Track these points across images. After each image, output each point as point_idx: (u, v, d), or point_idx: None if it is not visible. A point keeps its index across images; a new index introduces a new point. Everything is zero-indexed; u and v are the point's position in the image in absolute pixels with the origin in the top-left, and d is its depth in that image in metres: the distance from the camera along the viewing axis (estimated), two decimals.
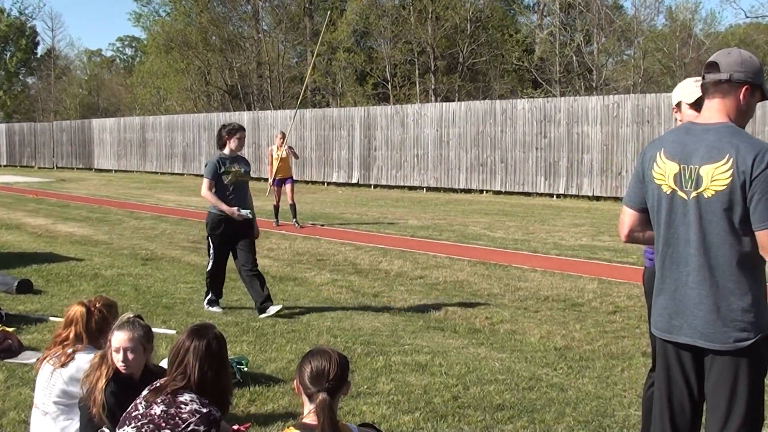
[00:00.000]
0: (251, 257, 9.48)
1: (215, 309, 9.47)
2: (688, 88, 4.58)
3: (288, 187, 18.57)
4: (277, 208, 18.68)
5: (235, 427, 4.56)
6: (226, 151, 9.61)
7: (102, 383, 4.53)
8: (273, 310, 9.15)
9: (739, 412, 3.65)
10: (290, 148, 19.10)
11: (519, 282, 11.48)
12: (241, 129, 9.79)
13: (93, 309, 5.16)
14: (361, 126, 33.50)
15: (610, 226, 17.49)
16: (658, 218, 3.82)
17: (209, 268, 9.59)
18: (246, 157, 10.33)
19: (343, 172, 34.22)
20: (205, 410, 4.04)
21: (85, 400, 4.62)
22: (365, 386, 6.49)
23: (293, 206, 18.38)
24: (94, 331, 5.11)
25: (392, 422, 5.72)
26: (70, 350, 5.05)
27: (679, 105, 4.61)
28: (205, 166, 9.71)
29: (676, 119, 4.70)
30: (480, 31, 45.93)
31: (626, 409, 6.07)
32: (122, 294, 10.26)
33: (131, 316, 4.80)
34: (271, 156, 18.95)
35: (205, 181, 9.52)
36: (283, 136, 18.99)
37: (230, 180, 9.48)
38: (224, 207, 9.33)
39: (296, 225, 18.09)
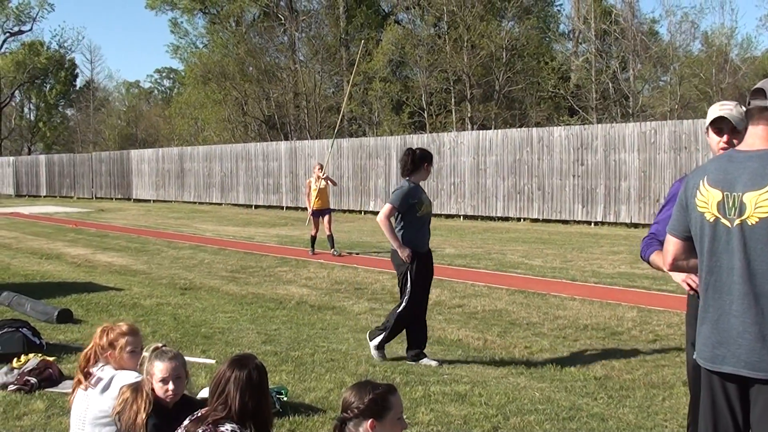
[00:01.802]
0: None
1: (380, 354, 8.55)
2: (711, 112, 4.62)
3: (326, 218, 18.73)
4: (314, 238, 18.79)
5: None
6: (417, 179, 8.62)
7: (142, 417, 4.54)
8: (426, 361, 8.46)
9: None
10: (327, 177, 19.22)
11: (558, 310, 11.43)
12: (432, 156, 8.89)
13: (107, 327, 5.28)
14: (398, 155, 33.50)
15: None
16: (701, 246, 3.81)
17: (401, 309, 8.52)
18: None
19: (380, 200, 34.22)
20: None
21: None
22: (405, 416, 6.47)
23: (331, 237, 18.50)
24: (105, 345, 5.19)
25: None
26: (92, 369, 5.13)
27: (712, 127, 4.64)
28: (394, 192, 8.65)
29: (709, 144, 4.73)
30: (515, 59, 45.95)
31: None
32: (161, 323, 10.33)
33: (160, 345, 4.85)
34: (309, 187, 19.04)
35: (387, 207, 8.48)
36: (321, 167, 19.14)
37: (423, 212, 8.56)
38: (396, 241, 8.40)
39: (334, 253, 18.13)
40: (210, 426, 4.08)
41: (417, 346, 8.54)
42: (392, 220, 8.51)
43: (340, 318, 11.01)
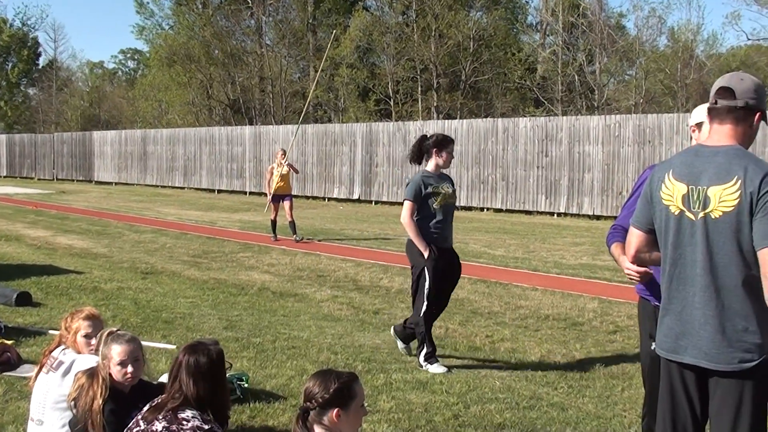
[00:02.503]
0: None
1: (439, 368, 7.58)
2: (697, 112, 4.67)
3: (287, 204, 18.57)
4: (274, 222, 18.70)
5: None
6: (430, 167, 8.02)
7: (99, 403, 4.48)
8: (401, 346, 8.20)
9: None
10: (290, 164, 19.16)
11: (519, 300, 11.48)
12: (452, 141, 8.18)
13: (72, 312, 5.26)
14: (363, 142, 33.54)
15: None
16: (665, 239, 3.85)
17: (423, 311, 7.78)
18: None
19: (344, 187, 34.24)
20: (206, 427, 4.02)
21: (80, 422, 4.56)
22: (366, 404, 6.47)
23: (292, 223, 18.34)
24: (64, 330, 5.17)
25: None
26: (55, 353, 5.10)
27: (699, 125, 4.65)
28: (406, 185, 8.08)
29: (691, 138, 4.75)
30: (483, 50, 46.02)
31: (627, 429, 6.07)
32: (122, 308, 10.25)
33: (115, 329, 4.81)
34: (271, 173, 18.92)
35: (407, 205, 7.86)
36: (284, 153, 19.10)
37: (439, 203, 7.90)
38: (421, 243, 7.75)
39: (296, 239, 18.00)
40: (170, 413, 4.05)
41: (404, 339, 8.21)
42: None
43: (302, 305, 10.97)
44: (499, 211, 28.66)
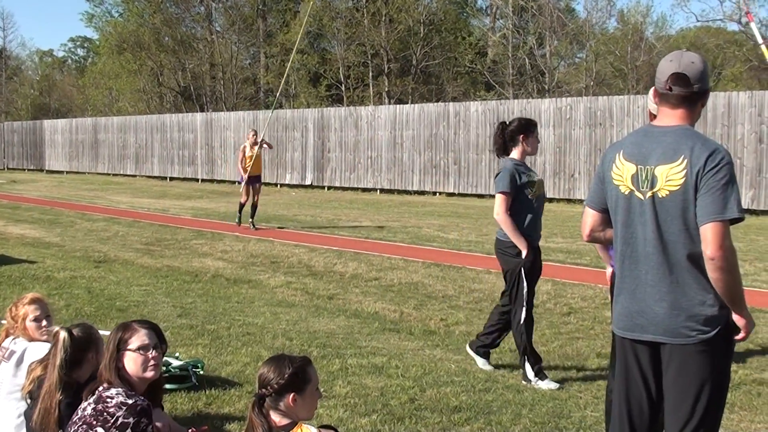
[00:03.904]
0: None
1: (550, 384, 6.81)
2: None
3: (257, 186, 18.49)
4: (242, 206, 18.42)
5: (191, 430, 4.51)
6: (516, 155, 7.04)
7: (58, 397, 4.37)
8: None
9: (702, 405, 3.70)
10: (264, 141, 18.94)
11: (473, 284, 11.53)
12: (536, 124, 7.26)
13: (14, 303, 5.20)
14: (315, 127, 33.44)
15: (563, 227, 17.61)
16: (616, 218, 3.89)
17: (523, 318, 6.99)
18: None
19: (296, 173, 34.13)
20: (130, 401, 3.98)
21: (36, 415, 4.43)
22: (322, 389, 6.46)
23: (255, 206, 18.18)
24: (11, 320, 5.12)
25: (349, 425, 5.70)
26: (5, 343, 5.04)
27: None
28: (496, 176, 7.08)
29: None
30: (433, 34, 46.06)
31: (582, 410, 6.12)
32: (75, 297, 10.14)
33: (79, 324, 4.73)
34: (243, 154, 18.53)
35: (501, 198, 6.89)
36: (255, 133, 18.94)
37: (536, 193, 7.00)
38: (521, 241, 6.90)
39: (252, 227, 17.80)
40: (98, 393, 4.04)
41: (484, 347, 7.41)
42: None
43: (256, 291, 10.93)
44: (452, 195, 28.76)
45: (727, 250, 3.53)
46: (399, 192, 30.38)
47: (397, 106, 33.70)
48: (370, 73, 46.79)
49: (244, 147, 18.64)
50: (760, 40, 8.91)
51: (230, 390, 6.39)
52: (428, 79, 48.76)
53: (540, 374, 6.88)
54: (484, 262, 13.36)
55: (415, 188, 30.12)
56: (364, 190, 31.59)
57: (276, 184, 34.63)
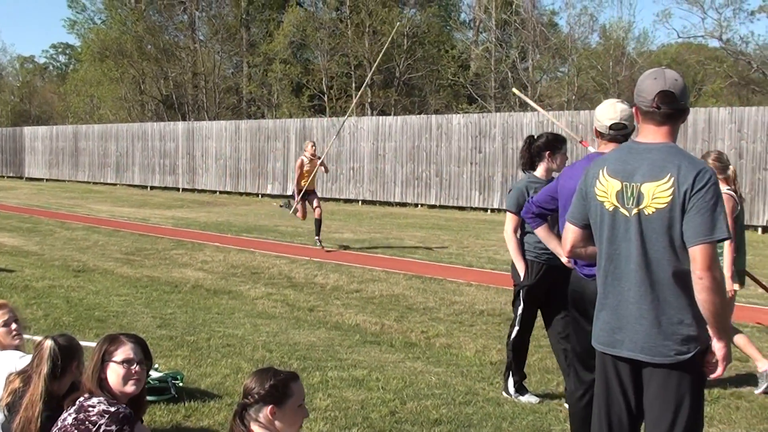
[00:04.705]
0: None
1: (530, 398, 6.81)
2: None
3: (315, 201, 16.73)
4: (318, 221, 16.76)
5: None
6: (539, 173, 6.84)
7: (40, 409, 4.33)
8: None
9: (681, 424, 3.73)
10: (323, 162, 16.78)
11: (454, 296, 11.53)
12: (565, 141, 7.00)
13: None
14: (297, 138, 33.40)
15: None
16: (600, 235, 3.90)
17: (513, 336, 6.96)
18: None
19: (277, 183, 34.07)
20: (113, 409, 3.96)
21: (16, 429, 4.38)
22: (304, 402, 6.44)
23: (319, 222, 16.62)
24: None
25: None
26: None
27: (620, 128, 4.79)
28: (509, 193, 6.98)
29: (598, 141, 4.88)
30: (416, 47, 46.17)
31: (562, 424, 6.12)
32: (54, 306, 10.07)
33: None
34: (301, 168, 16.54)
35: (508, 217, 6.85)
36: (315, 146, 16.95)
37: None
38: (520, 263, 6.76)
39: (318, 244, 16.40)
40: (79, 402, 4.01)
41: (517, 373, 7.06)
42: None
43: (237, 302, 10.89)
44: (433, 207, 28.78)
45: (716, 270, 3.58)
46: (381, 203, 30.38)
47: (380, 117, 33.73)
48: (353, 84, 46.83)
49: (302, 161, 16.61)
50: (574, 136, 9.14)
51: (210, 402, 6.36)
52: (411, 91, 48.84)
53: (520, 390, 6.87)
54: (466, 275, 13.39)
55: (397, 200, 30.12)
56: (346, 201, 31.57)
57: (257, 195, 34.57)
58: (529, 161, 6.94)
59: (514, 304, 6.97)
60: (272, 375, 3.88)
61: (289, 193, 33.24)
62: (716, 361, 3.73)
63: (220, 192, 36.04)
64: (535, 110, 10.89)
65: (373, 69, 20.46)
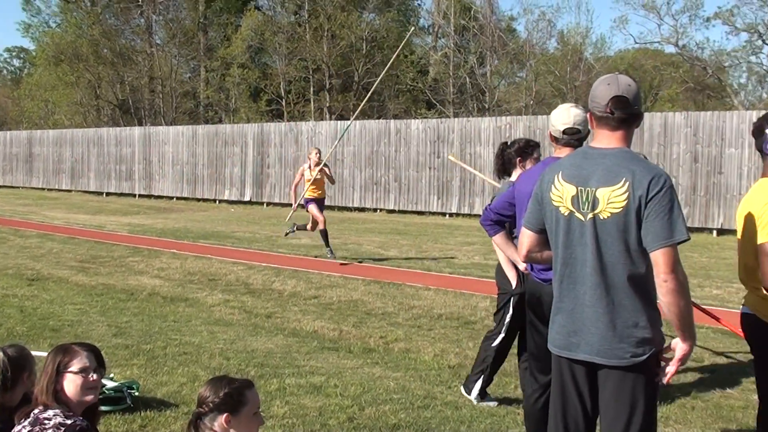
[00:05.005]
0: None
1: (489, 403, 6.81)
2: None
3: (321, 210, 16.10)
4: (324, 233, 16.04)
5: None
6: (514, 178, 6.65)
7: None
8: None
9: (636, 424, 3.76)
10: (326, 170, 16.04)
11: (413, 300, 11.53)
12: (537, 145, 6.84)
13: None
14: (254, 143, 33.28)
15: None
16: (556, 239, 3.92)
17: (497, 343, 6.81)
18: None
19: (235, 189, 33.92)
20: (69, 421, 3.91)
21: None
22: (260, 410, 6.40)
23: (325, 232, 15.99)
24: None
25: None
26: None
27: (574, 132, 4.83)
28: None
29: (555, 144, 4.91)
30: (375, 51, 46.21)
31: (520, 426, 6.13)
32: (7, 316, 9.92)
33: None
34: (302, 175, 16.17)
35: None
36: (319, 153, 16.31)
37: None
38: (510, 270, 6.52)
39: (330, 255, 15.74)
40: (34, 415, 3.95)
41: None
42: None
43: (193, 310, 10.80)
44: (392, 212, 28.82)
45: (679, 272, 3.62)
46: (339, 208, 30.33)
47: (338, 122, 33.70)
48: (312, 89, 46.77)
49: (303, 169, 16.20)
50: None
51: (166, 411, 6.30)
52: (370, 96, 48.80)
53: (483, 395, 6.82)
54: (424, 279, 13.40)
55: (356, 205, 30.11)
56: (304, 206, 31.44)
57: (215, 200, 34.39)
58: (503, 168, 6.92)
59: (501, 311, 6.83)
60: (227, 383, 3.85)
61: (246, 198, 33.24)
62: (672, 358, 3.77)
63: (177, 198, 35.80)
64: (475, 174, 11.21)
65: (376, 82, 19.62)
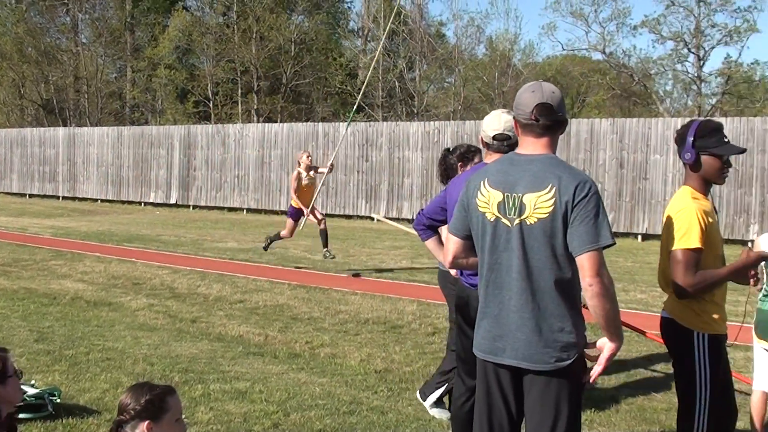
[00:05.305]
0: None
1: (442, 414, 6.55)
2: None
3: (316, 212, 15.44)
4: (280, 238, 15.59)
5: None
6: None
7: None
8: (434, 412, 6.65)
9: (561, 428, 3.80)
10: (316, 168, 15.59)
11: (339, 305, 11.54)
12: (478, 151, 6.45)
13: None
14: (181, 145, 32.96)
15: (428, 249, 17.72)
16: (482, 245, 3.94)
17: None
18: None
19: (161, 192, 33.53)
20: None
21: None
22: (183, 416, 6.34)
23: (325, 233, 15.45)
24: None
25: None
26: None
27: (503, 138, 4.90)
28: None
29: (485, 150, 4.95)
30: (304, 53, 46.11)
31: (445, 430, 6.18)
32: None
33: None
34: (298, 182, 15.21)
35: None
36: (309, 155, 15.57)
37: None
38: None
39: (329, 255, 15.33)
40: None
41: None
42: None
43: (117, 314, 10.67)
44: None
45: (605, 276, 3.66)
46: (266, 212, 30.21)
47: (266, 124, 33.54)
48: (239, 90, 46.49)
49: (299, 173, 15.29)
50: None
51: (88, 418, 6.21)
52: (298, 98, 48.75)
53: (440, 404, 6.62)
54: (351, 283, 13.41)
55: (283, 208, 29.92)
56: (231, 209, 31.30)
57: (140, 203, 33.97)
58: (445, 174, 6.82)
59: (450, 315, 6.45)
60: (148, 390, 3.82)
61: (172, 200, 32.88)
62: (598, 356, 3.82)
63: (102, 200, 35.28)
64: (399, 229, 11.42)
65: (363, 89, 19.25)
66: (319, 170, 15.65)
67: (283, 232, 15.41)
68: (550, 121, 3.85)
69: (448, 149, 6.93)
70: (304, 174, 15.20)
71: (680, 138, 4.53)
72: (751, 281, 4.67)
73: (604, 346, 3.81)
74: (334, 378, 7.71)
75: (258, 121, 42.03)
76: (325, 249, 15.35)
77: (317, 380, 7.61)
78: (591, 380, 3.87)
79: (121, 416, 3.77)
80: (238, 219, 27.93)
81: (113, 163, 34.93)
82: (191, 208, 32.31)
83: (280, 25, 44.72)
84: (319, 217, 15.37)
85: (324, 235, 15.43)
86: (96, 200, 35.35)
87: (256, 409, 6.58)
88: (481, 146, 5.36)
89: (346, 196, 28.26)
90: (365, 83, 17.57)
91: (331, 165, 15.66)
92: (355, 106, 17.52)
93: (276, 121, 40.20)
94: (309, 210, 15.06)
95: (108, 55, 51.38)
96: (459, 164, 6.61)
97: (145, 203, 33.81)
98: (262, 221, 26.95)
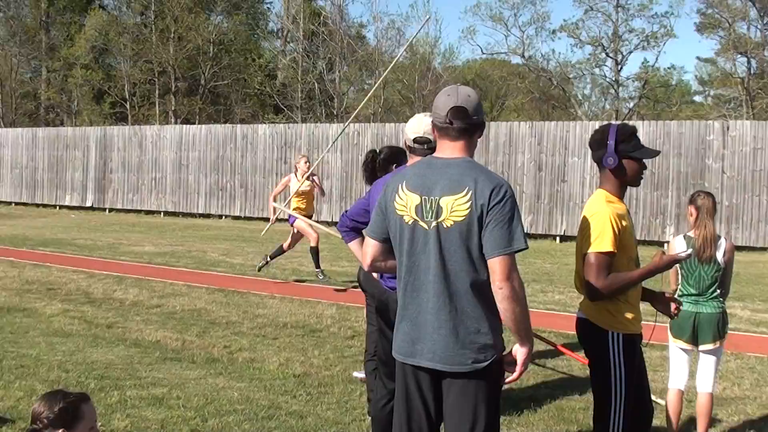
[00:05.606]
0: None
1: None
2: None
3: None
4: (316, 252, 14.24)
5: None
6: None
7: None
8: None
9: (480, 429, 3.84)
10: (317, 182, 14.47)
11: (258, 309, 11.50)
12: (405, 153, 6.13)
13: None
14: (97, 147, 32.43)
15: (348, 251, 17.77)
16: (400, 248, 3.97)
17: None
18: None
19: (76, 194, 32.96)
20: None
21: None
22: (99, 424, 6.27)
23: (316, 251, 14.25)
24: None
25: None
26: None
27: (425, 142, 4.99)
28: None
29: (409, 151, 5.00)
30: (223, 54, 45.81)
31: None
32: None
33: None
34: (285, 186, 14.54)
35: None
36: (308, 160, 14.58)
37: None
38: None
39: (322, 277, 14.13)
40: None
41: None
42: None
43: (31, 320, 10.47)
44: (238, 218, 28.62)
45: (515, 280, 3.72)
46: (184, 215, 29.92)
47: (184, 126, 33.24)
48: (157, 91, 45.97)
49: (289, 178, 14.50)
50: None
51: (2, 427, 6.10)
52: (216, 100, 48.42)
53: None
54: (269, 287, 13.38)
55: (201, 211, 29.75)
56: (148, 212, 30.92)
57: (55, 206, 33.33)
58: (372, 176, 6.69)
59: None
60: (61, 397, 3.77)
61: (88, 203, 32.34)
62: (515, 362, 3.88)
63: (16, 203, 34.51)
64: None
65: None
66: (316, 181, 14.38)
67: (287, 243, 14.51)
68: (464, 125, 3.90)
69: (374, 151, 6.86)
70: (294, 180, 14.15)
71: (597, 143, 4.60)
72: (672, 307, 4.76)
73: (517, 352, 3.88)
74: (253, 383, 7.70)
75: (176, 123, 41.63)
76: (318, 269, 14.21)
77: (235, 385, 7.58)
78: (507, 381, 3.94)
79: (35, 425, 3.72)
80: (155, 222, 27.61)
81: (27, 166, 34.22)
82: (107, 211, 31.82)
83: (198, 26, 44.37)
84: (314, 235, 14.02)
85: (315, 253, 14.19)
86: (9, 203, 34.56)
87: (173, 415, 6.53)
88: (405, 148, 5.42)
89: (265, 198, 28.03)
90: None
91: (315, 183, 14.33)
92: (352, 116, 16.94)
93: (194, 123, 39.84)
94: (275, 216, 14.40)
95: (22, 54, 50.31)
96: (393, 165, 6.46)
97: (61, 206, 33.19)
98: (180, 224, 26.70)
